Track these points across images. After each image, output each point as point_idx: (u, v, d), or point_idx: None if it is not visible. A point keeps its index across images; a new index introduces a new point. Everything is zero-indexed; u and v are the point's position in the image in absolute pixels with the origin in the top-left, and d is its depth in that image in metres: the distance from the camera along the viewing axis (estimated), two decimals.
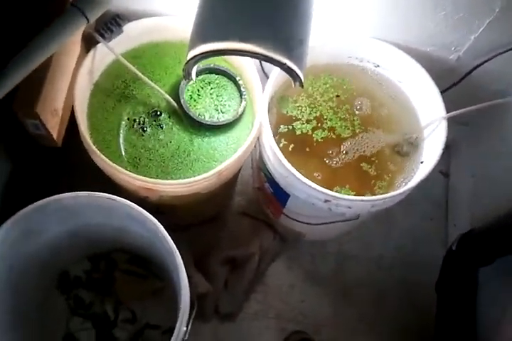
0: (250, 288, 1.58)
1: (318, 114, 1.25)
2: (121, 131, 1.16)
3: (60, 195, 1.13)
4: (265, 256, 1.59)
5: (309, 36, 0.84)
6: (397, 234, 1.71)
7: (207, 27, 0.82)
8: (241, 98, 1.21)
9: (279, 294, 1.62)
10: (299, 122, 1.23)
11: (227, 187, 1.46)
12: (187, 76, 0.88)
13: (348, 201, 1.12)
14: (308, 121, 1.24)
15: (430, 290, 1.45)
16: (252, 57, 0.78)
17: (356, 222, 1.29)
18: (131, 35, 1.16)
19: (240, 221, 1.63)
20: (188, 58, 0.82)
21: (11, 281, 1.21)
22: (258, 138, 1.21)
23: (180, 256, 1.10)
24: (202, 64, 1.06)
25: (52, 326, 1.45)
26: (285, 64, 0.79)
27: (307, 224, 1.41)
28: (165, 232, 1.12)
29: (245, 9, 0.79)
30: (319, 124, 1.24)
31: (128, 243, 1.42)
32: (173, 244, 1.11)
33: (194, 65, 0.84)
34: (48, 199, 1.13)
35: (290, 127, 1.23)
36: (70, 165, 1.56)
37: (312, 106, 1.25)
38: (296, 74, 0.81)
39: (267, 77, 1.19)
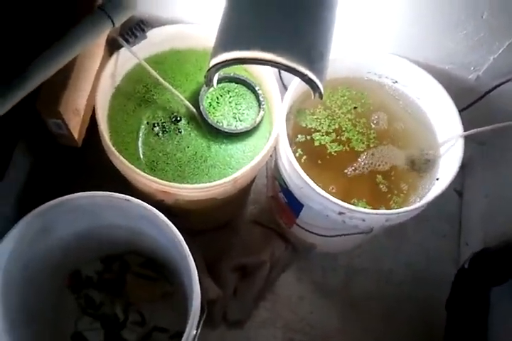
0: (260, 296, 1.57)
1: (337, 126, 1.25)
2: (141, 134, 1.18)
3: (75, 194, 1.14)
4: (276, 265, 1.58)
5: (330, 48, 0.85)
6: (408, 250, 1.70)
7: (230, 35, 0.83)
8: (259, 107, 1.22)
9: (288, 304, 1.61)
10: (318, 133, 1.24)
11: (242, 194, 1.46)
12: (208, 83, 0.89)
13: (362, 214, 1.12)
14: (327, 133, 1.24)
15: (440, 307, 1.44)
16: (273, 66, 0.78)
17: (369, 235, 1.29)
18: (154, 41, 1.18)
19: (251, 229, 1.63)
20: (210, 66, 0.83)
21: (25, 280, 1.22)
22: (274, 148, 1.22)
23: (193, 260, 1.10)
24: (222, 72, 1.08)
25: (61, 324, 1.45)
26: (306, 75, 0.79)
27: (320, 235, 1.40)
28: (179, 235, 1.12)
29: (269, 19, 0.79)
30: (337, 137, 1.24)
31: (142, 246, 1.42)
32: (187, 247, 1.11)
33: (216, 72, 0.85)
34: (62, 198, 1.13)
35: (308, 137, 1.23)
36: (86, 167, 1.58)
37: (330, 118, 1.26)
38: (317, 85, 0.82)
39: (285, 88, 1.20)
